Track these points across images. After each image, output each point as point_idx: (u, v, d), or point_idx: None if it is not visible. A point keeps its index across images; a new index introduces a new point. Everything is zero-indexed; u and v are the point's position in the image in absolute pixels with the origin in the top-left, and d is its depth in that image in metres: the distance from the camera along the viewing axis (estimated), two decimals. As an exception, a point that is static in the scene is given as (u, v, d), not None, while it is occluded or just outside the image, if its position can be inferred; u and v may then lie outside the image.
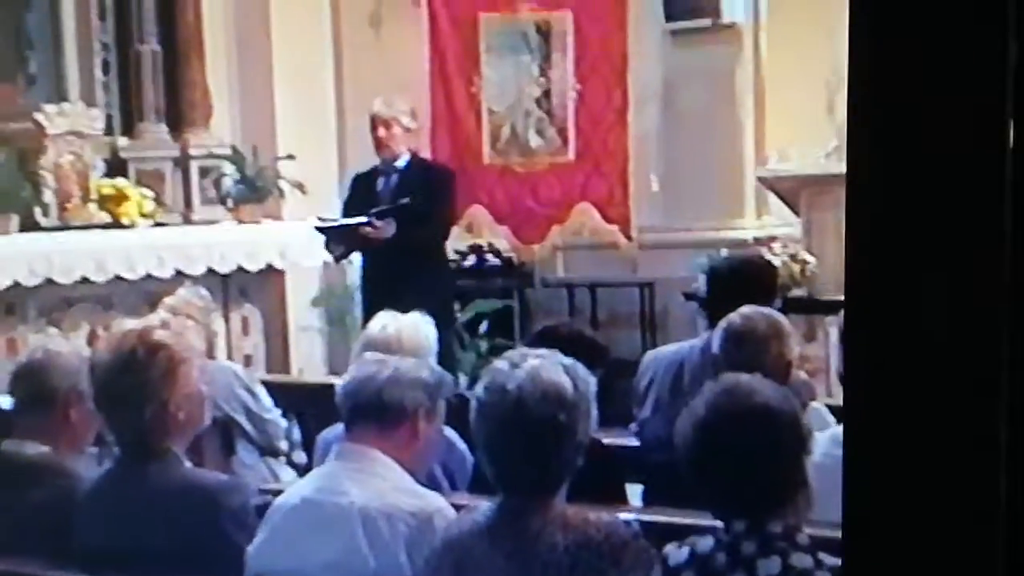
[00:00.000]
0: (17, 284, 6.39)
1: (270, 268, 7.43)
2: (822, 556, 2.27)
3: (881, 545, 1.03)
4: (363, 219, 6.04)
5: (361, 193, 6.34)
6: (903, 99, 1.01)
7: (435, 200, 6.18)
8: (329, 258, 6.71)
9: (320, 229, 6.32)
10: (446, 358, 5.88)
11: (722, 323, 3.77)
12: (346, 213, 6.35)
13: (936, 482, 1.02)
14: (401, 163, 6.26)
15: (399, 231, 5.98)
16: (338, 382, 3.10)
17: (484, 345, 7.47)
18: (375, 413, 2.92)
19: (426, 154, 7.50)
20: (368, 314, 5.32)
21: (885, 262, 1.02)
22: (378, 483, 2.83)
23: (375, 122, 6.22)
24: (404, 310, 4.04)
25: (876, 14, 1.01)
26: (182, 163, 7.47)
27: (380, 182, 6.28)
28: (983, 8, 0.98)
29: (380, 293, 5.62)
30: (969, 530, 1.01)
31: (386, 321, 3.95)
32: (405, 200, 6.02)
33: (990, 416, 0.99)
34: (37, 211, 6.72)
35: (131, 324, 3.12)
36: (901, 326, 1.02)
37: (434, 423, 3.03)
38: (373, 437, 2.91)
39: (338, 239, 6.30)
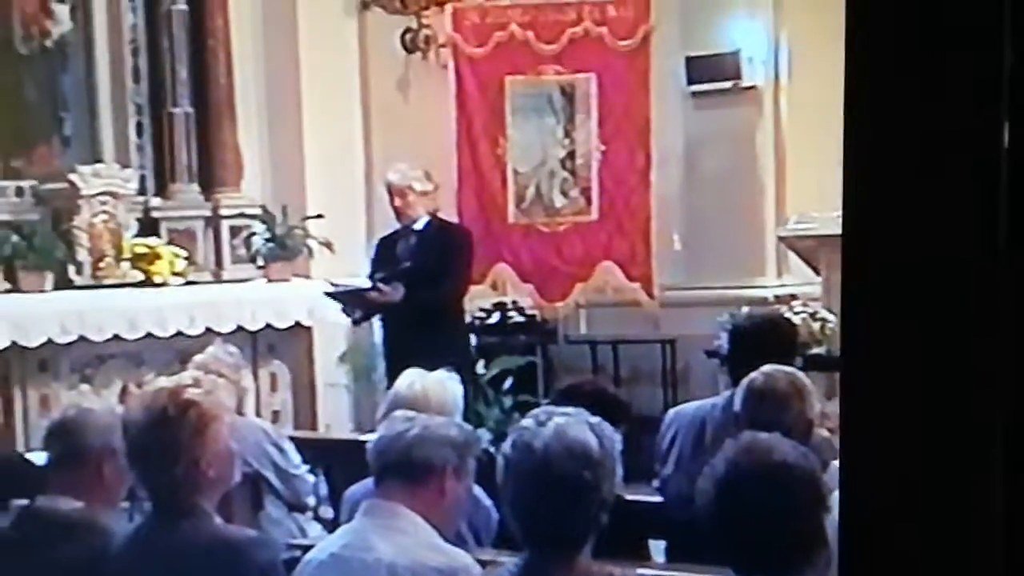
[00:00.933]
0: (51, 341, 6.46)
1: (298, 325, 7.49)
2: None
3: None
4: (367, 285, 6.18)
5: (384, 255, 6.47)
6: (898, 108, 1.01)
7: (448, 260, 6.30)
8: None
9: (329, 295, 6.46)
10: (469, 414, 5.95)
11: (744, 381, 3.80)
12: (372, 274, 6.47)
13: (936, 539, 1.01)
14: (419, 225, 6.39)
15: (409, 293, 6.09)
16: (366, 438, 3.16)
17: (508, 401, 7.51)
18: (404, 470, 2.97)
19: (450, 213, 7.60)
20: (390, 373, 5.41)
21: (881, 260, 1.03)
22: (405, 540, 2.86)
23: (391, 191, 6.41)
24: (425, 368, 4.11)
25: (873, 24, 1.02)
26: (213, 222, 7.56)
27: (400, 244, 6.42)
28: (979, 17, 0.98)
29: (399, 353, 5.72)
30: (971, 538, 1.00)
31: (413, 379, 4.01)
32: (406, 264, 6.15)
33: (989, 467, 0.98)
34: (71, 269, 6.80)
35: (163, 382, 3.17)
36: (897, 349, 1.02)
37: (463, 481, 3.06)
38: (401, 494, 2.95)
39: (352, 303, 6.43)
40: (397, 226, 6.54)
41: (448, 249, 6.36)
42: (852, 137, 1.04)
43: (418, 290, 6.08)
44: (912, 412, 1.02)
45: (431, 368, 4.10)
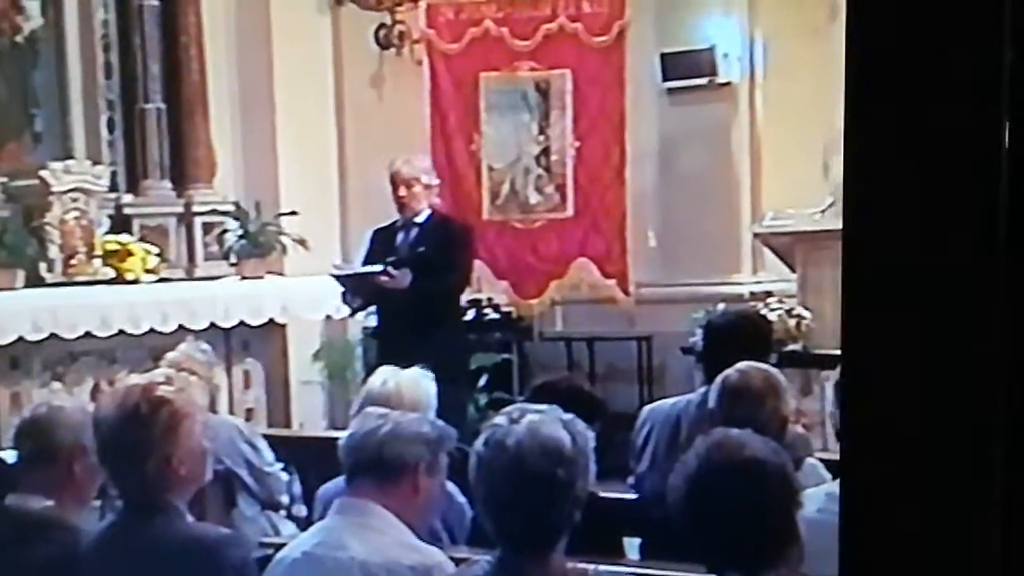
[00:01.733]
0: (22, 339, 6.41)
1: (272, 322, 7.47)
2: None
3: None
4: (379, 268, 6.10)
5: (380, 247, 6.39)
6: (897, 107, 1.02)
7: (453, 254, 6.26)
8: (333, 312, 6.75)
9: (337, 277, 6.38)
10: (458, 412, 5.92)
11: (719, 378, 3.80)
12: (366, 265, 6.40)
13: (934, 538, 1.02)
14: (421, 218, 6.32)
15: (415, 281, 6.04)
16: (340, 436, 3.14)
17: (483, 399, 7.50)
18: (376, 468, 2.96)
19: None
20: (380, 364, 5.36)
21: (880, 260, 1.03)
22: (378, 538, 2.85)
23: (396, 181, 6.27)
24: (419, 363, 4.07)
25: (873, 22, 1.02)
26: (186, 219, 7.53)
27: (400, 236, 6.35)
28: (979, 17, 0.99)
29: (394, 347, 5.65)
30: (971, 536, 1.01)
31: (386, 376, 3.99)
32: (421, 249, 6.09)
33: (988, 466, 0.99)
34: (42, 267, 6.76)
35: (135, 379, 3.15)
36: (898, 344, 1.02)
37: (436, 478, 3.06)
38: (374, 491, 2.94)
39: (355, 290, 6.35)
40: (379, 221, 6.48)
41: (452, 243, 6.31)
42: (853, 136, 1.04)
43: (426, 278, 6.03)
44: (912, 407, 1.02)
45: (425, 363, 4.08)
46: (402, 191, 6.25)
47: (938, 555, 1.02)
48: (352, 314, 6.85)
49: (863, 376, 1.05)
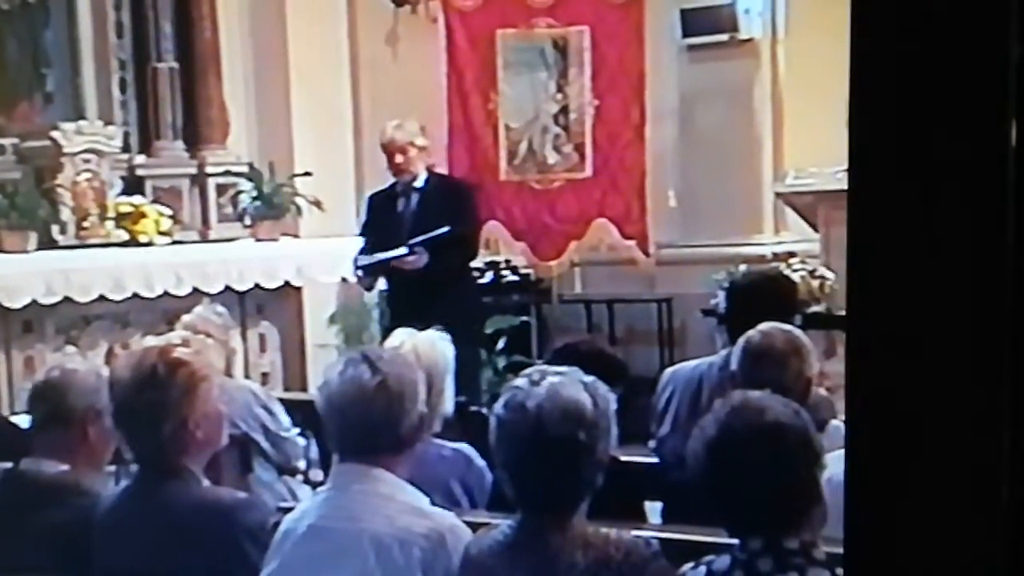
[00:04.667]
0: (35, 302, 6.40)
1: (287, 285, 7.43)
2: (839, 572, 2.26)
3: (883, 559, 1.03)
4: (404, 251, 6.05)
5: (380, 215, 6.33)
6: (904, 102, 1.01)
7: (463, 221, 6.18)
8: (347, 276, 6.70)
9: (362, 267, 6.31)
10: (474, 375, 5.87)
11: (741, 340, 3.74)
12: (364, 234, 6.35)
13: (938, 496, 1.02)
14: (419, 182, 6.25)
15: (432, 259, 6.00)
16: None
17: (502, 362, 7.46)
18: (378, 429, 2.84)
19: (443, 170, 7.50)
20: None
21: (886, 261, 1.03)
22: (387, 505, 2.74)
23: (390, 149, 6.22)
24: (438, 327, 4.01)
25: (878, 17, 1.02)
26: (199, 181, 7.49)
27: (400, 203, 6.28)
28: (986, 12, 0.98)
29: (407, 314, 5.59)
30: (971, 542, 1.00)
31: (403, 338, 3.93)
32: (445, 229, 6.00)
33: (993, 426, 0.98)
34: (55, 229, 6.74)
35: (151, 341, 3.11)
36: (902, 327, 1.02)
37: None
38: (379, 456, 2.79)
39: (375, 272, 6.31)
40: (390, 182, 6.40)
41: (459, 209, 6.24)
42: (855, 135, 1.03)
43: (442, 254, 5.97)
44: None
45: (446, 323, 4.02)
46: (398, 158, 6.19)
47: (942, 519, 1.02)
48: (368, 290, 6.81)
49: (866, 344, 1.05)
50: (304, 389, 7.44)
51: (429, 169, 6.41)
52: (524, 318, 8.09)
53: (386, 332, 5.13)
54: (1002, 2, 0.97)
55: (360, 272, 6.38)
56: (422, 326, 4.00)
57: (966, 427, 1.00)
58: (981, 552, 1.00)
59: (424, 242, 6.02)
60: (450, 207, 6.17)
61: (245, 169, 7.57)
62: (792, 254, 7.05)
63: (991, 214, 0.98)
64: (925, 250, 1.01)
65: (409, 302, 6.06)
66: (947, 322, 1.00)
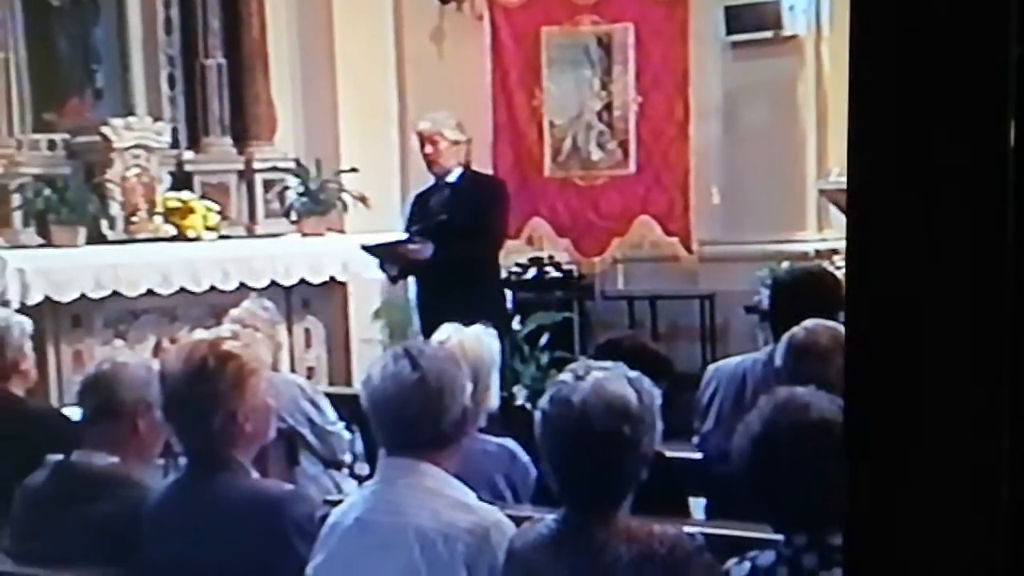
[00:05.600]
0: (84, 296, 6.46)
1: (333, 280, 7.47)
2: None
3: (883, 558, 1.04)
4: (402, 237, 6.09)
5: (418, 210, 6.38)
6: (904, 101, 1.01)
7: (482, 214, 6.18)
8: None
9: (365, 248, 6.38)
10: (505, 371, 5.88)
11: (785, 336, 3.73)
12: (407, 230, 6.39)
13: (938, 496, 1.02)
14: (452, 178, 6.28)
15: (439, 249, 6.00)
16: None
17: (545, 358, 7.46)
18: (427, 424, 2.87)
19: (486, 166, 7.52)
20: (424, 332, 5.34)
21: (887, 260, 1.03)
22: (433, 500, 2.76)
23: (421, 139, 6.28)
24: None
25: (878, 16, 1.02)
26: (247, 176, 7.53)
27: (434, 199, 6.32)
28: (985, 12, 0.98)
29: (431, 310, 5.64)
30: (971, 542, 1.01)
31: (450, 333, 3.95)
32: (443, 217, 6.04)
33: (993, 426, 0.98)
34: (104, 224, 6.79)
35: (201, 335, 3.15)
36: (902, 323, 1.02)
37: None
38: (425, 450, 2.81)
39: (387, 259, 6.35)
40: (432, 181, 6.45)
41: (483, 202, 6.25)
42: (855, 135, 1.03)
43: (449, 246, 5.99)
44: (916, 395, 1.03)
45: (465, 324, 4.03)
46: (427, 148, 6.23)
47: (942, 519, 1.02)
48: (393, 282, 6.84)
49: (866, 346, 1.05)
50: (349, 384, 7.49)
51: (465, 166, 6.43)
52: (567, 314, 8.09)
53: (425, 331, 5.16)
54: (1002, 2, 0.97)
55: (379, 261, 6.43)
56: (442, 323, 4.01)
57: (966, 427, 1.00)
58: (981, 552, 1.00)
59: (421, 231, 6.05)
60: (474, 201, 6.19)
61: (292, 165, 7.61)
62: (835, 251, 7.02)
63: (990, 214, 0.97)
64: (924, 250, 1.00)
65: (427, 298, 6.11)
66: (947, 322, 1.00)
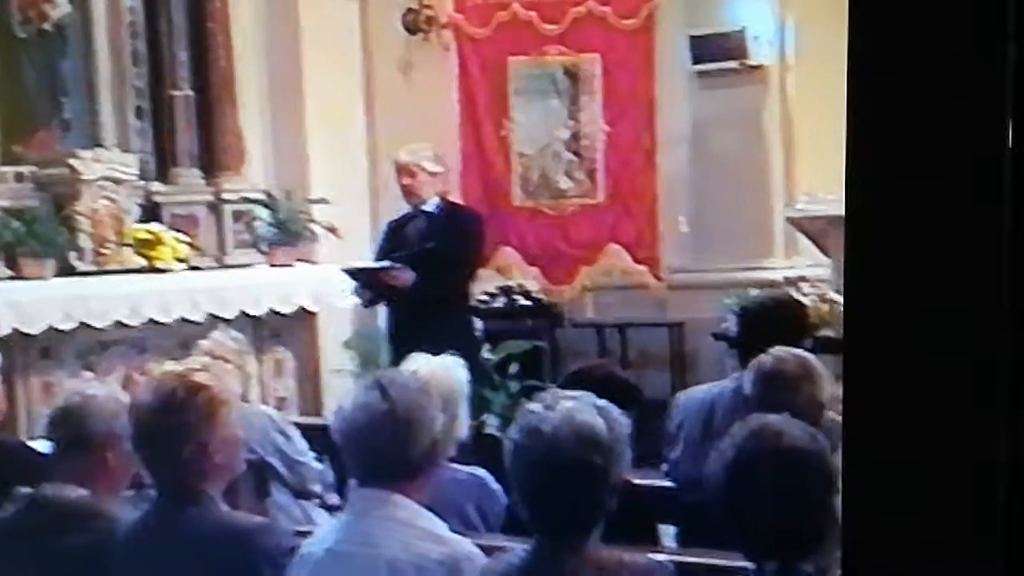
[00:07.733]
0: (53, 328, 6.43)
1: (303, 311, 7.46)
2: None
3: (880, 559, 1.03)
4: (386, 263, 6.11)
5: (393, 239, 6.40)
6: (902, 101, 1.01)
7: (460, 245, 6.22)
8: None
9: (346, 271, 6.41)
10: (473, 401, 5.87)
11: (753, 364, 3.76)
12: (379, 259, 6.41)
13: (937, 496, 1.02)
14: (430, 207, 6.31)
15: (421, 278, 6.03)
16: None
17: (515, 386, 7.47)
18: (396, 457, 2.88)
19: (455, 196, 7.55)
20: (395, 359, 5.35)
21: (884, 259, 1.03)
22: (405, 531, 2.77)
23: (399, 171, 6.32)
24: (430, 354, 4.04)
25: (875, 16, 1.02)
26: (216, 207, 7.52)
27: (410, 227, 6.34)
28: (983, 11, 0.98)
29: (404, 338, 5.65)
30: (971, 542, 1.00)
31: (419, 364, 3.96)
32: (431, 244, 6.07)
33: (993, 426, 0.99)
34: (73, 256, 6.75)
35: (171, 366, 3.14)
36: (899, 318, 1.02)
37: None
38: (397, 481, 2.84)
39: (363, 284, 6.37)
40: (406, 209, 6.47)
41: (460, 233, 6.29)
42: (853, 135, 1.03)
43: (429, 275, 6.01)
44: (914, 399, 1.02)
45: (436, 353, 4.04)
46: (405, 179, 6.28)
47: (940, 519, 1.02)
48: (366, 306, 6.85)
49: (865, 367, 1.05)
50: (319, 414, 7.47)
51: (442, 196, 6.47)
52: (537, 342, 8.11)
53: (396, 358, 5.17)
54: (999, 2, 0.97)
55: (355, 286, 6.44)
56: (422, 351, 4.02)
57: (965, 427, 0.99)
58: (980, 552, 0.99)
59: (404, 257, 6.08)
60: (455, 232, 6.23)
61: (261, 196, 7.60)
62: (803, 279, 7.06)
63: (988, 214, 0.98)
64: (922, 249, 1.00)
65: (400, 325, 6.13)
66: (946, 322, 1.00)
